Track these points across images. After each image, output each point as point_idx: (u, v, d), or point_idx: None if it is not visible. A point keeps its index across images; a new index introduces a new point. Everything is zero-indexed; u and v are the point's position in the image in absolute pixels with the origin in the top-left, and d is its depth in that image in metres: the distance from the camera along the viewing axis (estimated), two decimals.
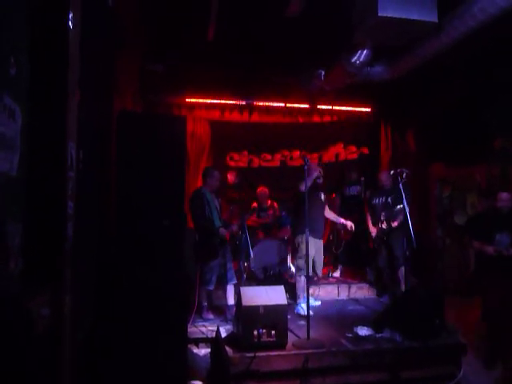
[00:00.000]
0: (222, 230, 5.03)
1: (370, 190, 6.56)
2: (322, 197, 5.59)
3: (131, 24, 4.94)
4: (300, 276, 5.25)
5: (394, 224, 5.71)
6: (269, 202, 7.15)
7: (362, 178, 7.19)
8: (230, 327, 4.46)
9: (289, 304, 4.20)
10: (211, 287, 5.07)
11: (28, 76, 1.82)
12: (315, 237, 5.21)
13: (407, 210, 5.02)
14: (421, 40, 4.97)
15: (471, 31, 4.48)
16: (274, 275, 6.29)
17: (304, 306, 4.90)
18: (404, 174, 5.23)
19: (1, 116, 1.57)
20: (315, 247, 5.29)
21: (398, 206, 5.50)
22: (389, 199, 5.89)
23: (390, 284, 5.88)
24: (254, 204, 7.15)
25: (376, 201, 6.09)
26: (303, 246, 4.69)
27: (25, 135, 1.73)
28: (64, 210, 1.92)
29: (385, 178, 6.07)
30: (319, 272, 5.62)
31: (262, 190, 7.13)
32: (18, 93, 1.72)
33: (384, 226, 5.81)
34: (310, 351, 3.69)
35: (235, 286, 5.08)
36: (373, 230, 6.03)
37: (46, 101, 1.86)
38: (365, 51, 5.29)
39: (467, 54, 5.62)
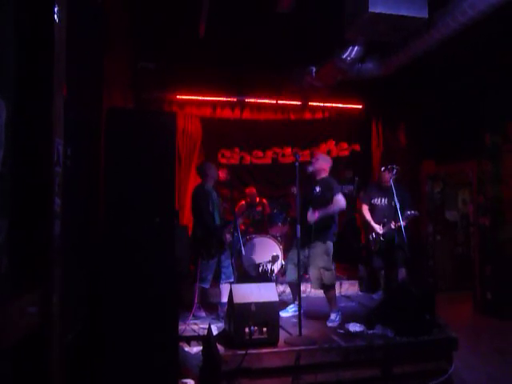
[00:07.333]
0: (227, 237, 5.09)
1: (368, 188, 6.19)
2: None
3: (121, 20, 4.90)
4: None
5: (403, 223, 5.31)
6: (257, 199, 7.18)
7: (357, 178, 7.20)
8: (221, 325, 4.44)
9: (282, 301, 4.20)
10: (207, 285, 5.06)
11: (12, 70, 1.78)
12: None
13: (398, 206, 5.06)
14: (412, 36, 4.97)
15: (462, 27, 4.49)
16: (266, 272, 6.28)
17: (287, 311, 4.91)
18: (394, 171, 5.26)
19: None
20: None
21: (409, 212, 5.42)
22: (394, 199, 5.44)
23: (385, 283, 5.86)
24: (242, 202, 7.17)
25: (377, 200, 5.82)
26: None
27: (9, 130, 1.70)
28: (51, 207, 1.88)
29: (388, 176, 5.59)
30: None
31: (250, 190, 7.23)
32: (1, 87, 1.68)
33: (392, 225, 5.40)
34: (302, 348, 3.68)
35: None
36: (377, 227, 5.68)
37: (31, 96, 1.83)
38: (356, 47, 5.29)
39: (457, 50, 5.64)
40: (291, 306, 4.99)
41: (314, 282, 4.68)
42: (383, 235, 5.63)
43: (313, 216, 4.58)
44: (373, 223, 5.74)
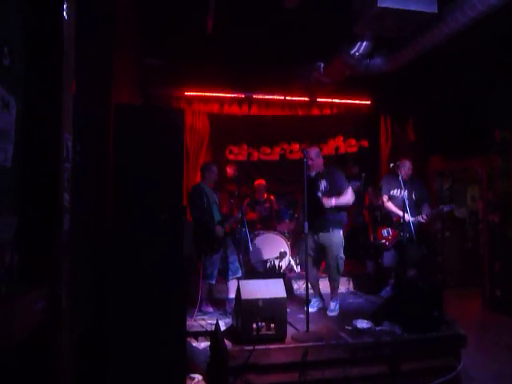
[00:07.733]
0: (219, 229, 5.03)
1: (385, 179, 6.00)
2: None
3: (128, 17, 4.91)
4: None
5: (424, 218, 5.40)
6: (265, 195, 7.14)
7: (363, 174, 7.15)
8: (229, 320, 4.46)
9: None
10: (213, 281, 5.07)
11: (22, 67, 1.80)
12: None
13: (407, 202, 5.05)
14: (420, 31, 4.93)
15: (471, 22, 4.45)
16: (274, 269, 6.28)
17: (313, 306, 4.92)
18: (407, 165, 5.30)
19: None
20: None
21: (441, 206, 5.48)
22: (412, 193, 5.54)
23: (395, 280, 5.79)
24: (247, 199, 7.15)
25: (396, 192, 5.65)
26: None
27: (19, 126, 1.72)
28: (60, 203, 1.90)
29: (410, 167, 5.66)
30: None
31: (259, 182, 7.14)
32: (12, 84, 1.70)
33: (422, 218, 5.36)
34: (309, 344, 3.68)
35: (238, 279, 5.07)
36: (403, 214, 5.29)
37: (41, 92, 1.84)
38: (364, 43, 5.26)
39: (466, 45, 5.58)
40: (314, 300, 4.98)
41: (332, 270, 4.82)
42: (403, 230, 5.37)
43: (329, 202, 4.64)
44: (400, 212, 5.41)
